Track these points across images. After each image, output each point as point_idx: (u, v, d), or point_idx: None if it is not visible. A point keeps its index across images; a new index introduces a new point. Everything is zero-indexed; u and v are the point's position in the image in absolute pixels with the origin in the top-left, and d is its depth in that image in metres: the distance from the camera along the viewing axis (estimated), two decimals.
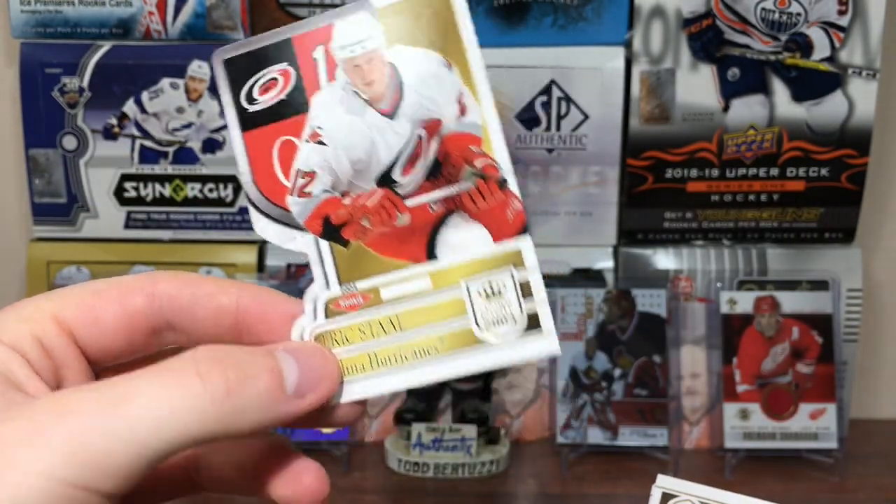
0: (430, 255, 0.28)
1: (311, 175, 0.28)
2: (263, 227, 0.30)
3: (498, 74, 0.82)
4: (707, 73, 0.81)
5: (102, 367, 0.31)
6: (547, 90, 0.82)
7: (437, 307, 0.29)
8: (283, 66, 0.27)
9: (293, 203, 0.28)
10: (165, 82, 0.82)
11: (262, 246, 0.86)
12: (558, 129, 0.83)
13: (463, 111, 0.27)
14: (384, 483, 0.81)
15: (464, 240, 0.28)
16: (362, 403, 0.31)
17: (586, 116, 0.82)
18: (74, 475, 0.25)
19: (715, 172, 0.83)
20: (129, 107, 0.83)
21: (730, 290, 0.84)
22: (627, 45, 0.81)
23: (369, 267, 0.29)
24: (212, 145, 0.84)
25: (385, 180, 0.28)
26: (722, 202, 0.84)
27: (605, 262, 0.86)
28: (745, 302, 0.83)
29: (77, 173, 0.84)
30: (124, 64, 0.82)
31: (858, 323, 0.86)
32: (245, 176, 0.29)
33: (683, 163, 0.83)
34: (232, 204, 0.85)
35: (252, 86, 0.28)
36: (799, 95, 0.82)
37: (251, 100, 0.28)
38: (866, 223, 0.87)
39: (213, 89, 0.83)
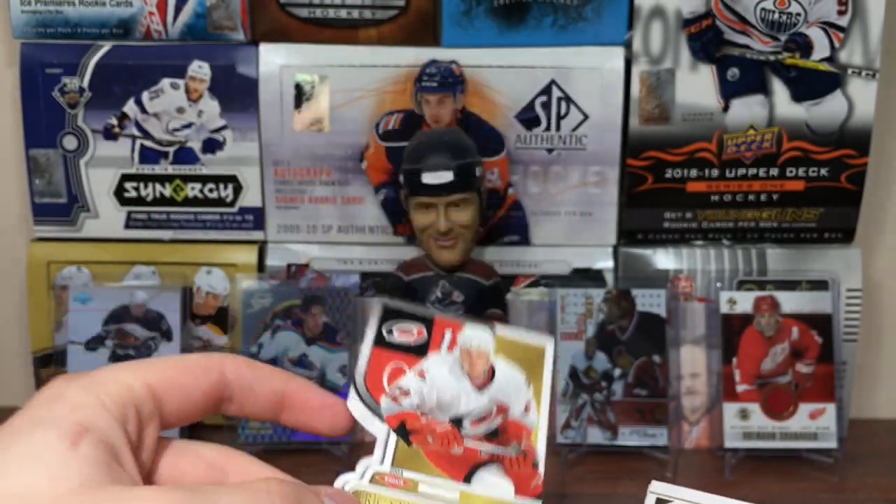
0: (467, 479, 0.37)
1: (406, 393, 0.38)
2: (355, 406, 0.37)
3: (498, 74, 0.82)
4: (707, 73, 0.81)
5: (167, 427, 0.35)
6: (547, 90, 0.82)
7: None
8: (421, 325, 0.39)
9: (385, 402, 0.37)
10: (166, 82, 0.83)
11: (262, 246, 0.86)
12: (558, 129, 0.83)
13: (527, 410, 0.39)
14: None
15: (495, 482, 0.37)
16: None
17: (586, 116, 0.83)
18: None
19: (715, 172, 0.84)
20: (130, 107, 0.83)
21: (729, 289, 0.84)
22: (627, 45, 0.81)
23: (419, 465, 0.37)
24: (212, 145, 0.84)
25: (456, 422, 0.38)
26: (722, 202, 0.85)
27: (605, 262, 0.86)
28: (744, 302, 0.83)
29: (77, 173, 0.84)
30: (125, 64, 0.82)
31: (858, 323, 0.86)
32: (360, 371, 0.38)
33: (683, 163, 0.83)
34: (232, 204, 0.85)
35: (395, 325, 0.39)
36: (798, 95, 0.82)
37: (390, 332, 0.38)
38: (866, 223, 0.87)
39: (213, 89, 0.83)
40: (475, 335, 0.39)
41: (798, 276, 0.84)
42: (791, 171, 0.83)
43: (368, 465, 0.37)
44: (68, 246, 0.86)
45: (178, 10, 0.81)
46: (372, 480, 0.37)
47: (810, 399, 0.82)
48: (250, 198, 0.85)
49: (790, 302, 0.83)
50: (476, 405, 0.38)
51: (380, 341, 0.39)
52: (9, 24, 0.82)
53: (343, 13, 0.81)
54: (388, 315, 0.40)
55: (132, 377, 0.32)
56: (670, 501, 0.36)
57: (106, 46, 0.82)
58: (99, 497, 0.27)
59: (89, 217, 0.85)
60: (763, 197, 0.84)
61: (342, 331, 0.83)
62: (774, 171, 0.83)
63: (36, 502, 0.27)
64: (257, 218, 0.86)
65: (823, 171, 0.83)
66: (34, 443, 0.29)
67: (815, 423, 0.82)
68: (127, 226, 0.86)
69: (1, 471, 0.28)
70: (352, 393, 0.38)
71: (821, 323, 0.83)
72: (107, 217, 0.85)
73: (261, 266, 0.86)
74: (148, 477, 0.33)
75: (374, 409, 0.38)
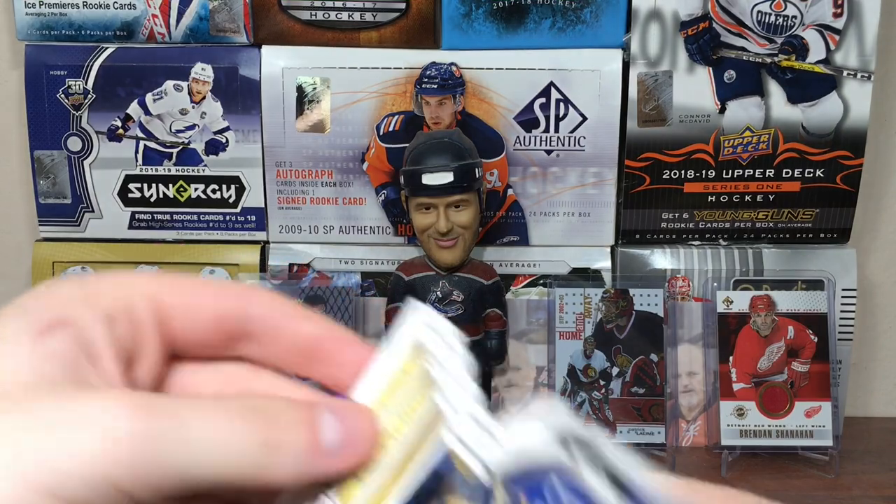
0: None
1: None
2: None
3: (497, 76, 0.83)
4: (704, 75, 0.82)
5: (174, 355, 0.31)
6: (546, 92, 0.83)
7: None
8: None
9: None
10: (169, 84, 0.83)
11: (264, 246, 0.87)
12: (557, 130, 0.84)
13: None
14: None
15: None
16: None
17: (584, 118, 0.83)
18: (120, 476, 0.25)
19: (711, 173, 0.84)
20: (134, 109, 0.84)
21: (726, 289, 0.85)
22: (625, 47, 0.82)
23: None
24: (215, 146, 0.85)
25: None
26: (718, 203, 0.85)
27: (603, 262, 0.87)
28: (741, 301, 0.84)
29: (82, 174, 0.85)
30: (128, 66, 0.83)
31: (853, 322, 0.87)
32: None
33: (680, 164, 0.84)
34: (235, 205, 0.86)
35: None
36: (794, 97, 0.82)
37: None
38: (861, 224, 0.88)
39: (216, 91, 0.84)
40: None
41: (794, 275, 0.85)
42: (787, 172, 0.84)
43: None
44: (73, 246, 0.86)
45: (181, 13, 0.82)
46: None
47: (806, 397, 0.83)
48: (253, 198, 0.86)
49: (786, 301, 0.84)
50: None
51: None
52: (14, 26, 0.82)
53: (344, 16, 0.82)
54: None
55: (133, 282, 0.30)
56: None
57: (110, 49, 0.83)
58: (42, 395, 0.25)
59: (93, 218, 0.86)
60: (759, 197, 0.85)
61: None
62: (770, 172, 0.84)
63: None
64: (259, 218, 0.86)
65: (819, 172, 0.84)
66: (2, 328, 0.27)
67: (810, 421, 0.83)
68: (130, 226, 0.87)
69: None
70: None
71: (816, 322, 0.84)
72: (111, 218, 0.86)
73: (263, 266, 0.86)
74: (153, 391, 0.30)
75: None
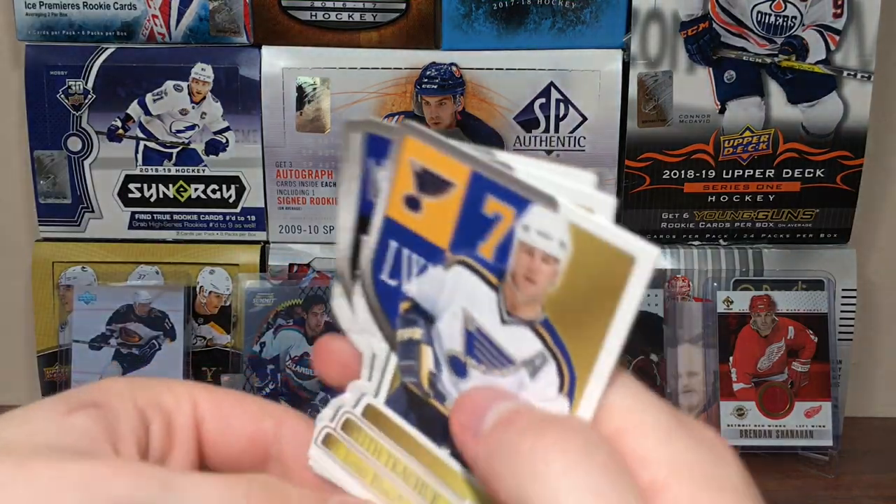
0: None
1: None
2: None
3: (497, 77, 0.83)
4: (704, 75, 0.82)
5: (206, 465, 0.31)
6: (546, 92, 0.83)
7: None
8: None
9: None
10: (169, 84, 0.83)
11: (264, 246, 0.87)
12: (557, 130, 0.84)
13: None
14: None
15: None
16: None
17: (584, 118, 0.83)
18: None
19: (711, 174, 0.84)
20: (134, 109, 0.84)
21: (726, 289, 0.85)
22: (625, 47, 0.82)
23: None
24: (215, 147, 0.85)
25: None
26: (718, 203, 0.85)
27: None
28: (741, 301, 0.84)
29: (82, 174, 0.85)
30: (128, 66, 0.83)
31: (853, 322, 0.87)
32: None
33: (680, 164, 0.84)
34: (235, 205, 0.86)
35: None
36: (794, 97, 0.82)
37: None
38: (861, 224, 0.88)
39: (216, 92, 0.84)
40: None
41: (794, 275, 0.85)
42: (787, 173, 0.84)
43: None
44: (73, 246, 0.86)
45: (181, 13, 0.82)
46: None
47: (806, 397, 0.83)
48: (252, 198, 0.86)
49: (786, 301, 0.84)
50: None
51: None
52: (14, 26, 0.83)
53: (344, 16, 0.82)
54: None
55: (177, 387, 0.30)
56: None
57: (110, 49, 0.83)
58: (45, 456, 0.25)
59: (93, 218, 0.86)
60: (759, 198, 0.85)
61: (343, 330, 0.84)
62: (770, 173, 0.84)
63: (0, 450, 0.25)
64: (259, 218, 0.86)
65: (819, 173, 0.84)
66: (37, 407, 0.27)
67: (810, 422, 0.83)
68: (131, 226, 0.87)
69: None
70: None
71: (816, 322, 0.84)
72: (111, 218, 0.86)
73: (263, 266, 0.86)
74: None
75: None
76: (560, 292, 0.25)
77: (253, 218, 0.86)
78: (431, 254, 0.28)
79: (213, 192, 0.86)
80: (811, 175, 0.84)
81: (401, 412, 0.29)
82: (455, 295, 0.27)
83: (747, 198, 0.85)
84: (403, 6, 0.82)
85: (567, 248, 0.25)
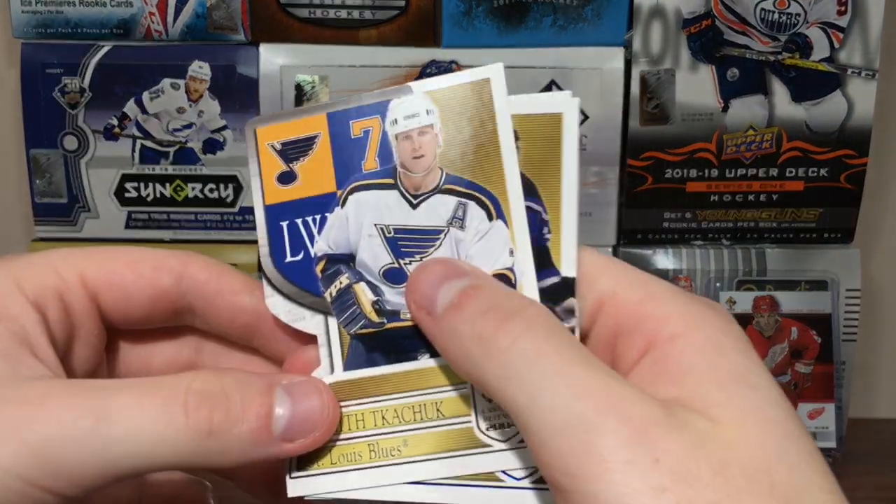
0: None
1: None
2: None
3: None
4: (706, 73, 0.81)
5: (118, 329, 0.31)
6: (547, 90, 0.82)
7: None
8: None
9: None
10: (166, 83, 0.83)
11: None
12: None
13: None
14: None
15: None
16: None
17: (586, 117, 0.83)
18: (37, 476, 0.25)
19: (714, 173, 0.84)
20: (130, 107, 0.83)
21: (729, 289, 0.84)
22: (627, 45, 0.82)
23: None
24: (212, 145, 0.84)
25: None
26: (721, 202, 0.85)
27: None
28: (743, 302, 0.84)
29: (78, 174, 0.84)
30: (125, 64, 0.82)
31: (857, 323, 0.86)
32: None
33: (683, 163, 0.83)
34: (232, 204, 0.85)
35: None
36: (798, 96, 0.82)
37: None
38: (865, 223, 0.87)
39: (214, 90, 0.83)
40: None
41: (797, 276, 0.85)
42: (790, 172, 0.84)
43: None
44: (69, 246, 0.86)
45: (178, 10, 0.81)
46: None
47: (809, 399, 0.83)
48: (250, 198, 0.85)
49: (789, 302, 0.83)
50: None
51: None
52: (9, 24, 0.82)
53: (343, 14, 0.81)
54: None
55: (62, 264, 0.29)
56: None
57: (106, 47, 0.82)
58: None
59: (90, 217, 0.86)
60: (762, 197, 0.84)
61: None
62: (774, 172, 0.83)
63: None
64: None
65: (823, 172, 0.83)
66: None
67: (814, 423, 0.83)
68: (127, 226, 0.86)
69: None
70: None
71: (820, 323, 0.83)
72: (107, 217, 0.86)
73: (261, 266, 0.86)
74: (95, 373, 0.30)
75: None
76: (447, 147, 0.28)
77: (251, 218, 0.86)
78: (324, 204, 0.29)
79: (211, 191, 0.85)
80: (815, 174, 0.84)
81: (364, 364, 0.29)
82: (362, 219, 0.29)
83: (750, 197, 0.84)
84: (403, 3, 0.81)
85: (433, 111, 0.29)
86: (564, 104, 0.28)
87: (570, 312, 0.27)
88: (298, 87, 0.83)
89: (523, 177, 0.28)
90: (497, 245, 0.28)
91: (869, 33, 0.80)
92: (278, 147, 0.30)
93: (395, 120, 0.29)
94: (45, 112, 0.83)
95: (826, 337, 0.83)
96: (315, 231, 0.30)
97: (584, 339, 0.28)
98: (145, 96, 0.83)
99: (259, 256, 0.31)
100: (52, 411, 0.25)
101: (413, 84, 0.29)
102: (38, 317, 0.28)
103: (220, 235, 0.86)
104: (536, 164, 0.28)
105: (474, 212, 0.28)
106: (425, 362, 0.28)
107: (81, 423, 0.25)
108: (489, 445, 0.28)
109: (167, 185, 0.85)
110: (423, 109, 0.29)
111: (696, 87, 0.82)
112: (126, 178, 0.85)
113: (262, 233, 0.30)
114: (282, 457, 0.28)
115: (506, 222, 0.28)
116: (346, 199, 0.29)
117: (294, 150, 0.30)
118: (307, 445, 0.28)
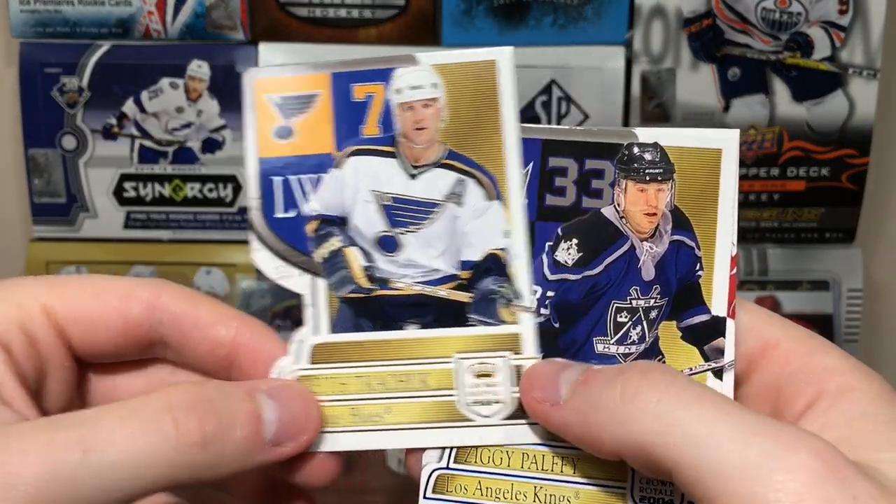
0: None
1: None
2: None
3: None
4: (707, 72, 0.81)
5: (89, 362, 0.30)
6: (547, 90, 0.82)
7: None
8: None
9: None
10: (165, 82, 0.82)
11: None
12: None
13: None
14: (385, 483, 0.81)
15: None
16: (337, 460, 0.29)
17: (586, 116, 0.82)
18: None
19: None
20: (129, 106, 0.83)
21: None
22: (628, 44, 0.81)
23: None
24: (211, 145, 0.84)
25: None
26: None
27: None
28: None
29: (76, 173, 0.84)
30: (124, 64, 0.82)
31: (859, 323, 0.86)
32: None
33: None
34: (231, 204, 0.85)
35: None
36: (799, 95, 0.82)
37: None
38: (867, 223, 0.87)
39: (213, 89, 0.83)
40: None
41: (799, 276, 0.84)
42: (792, 171, 0.83)
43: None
44: (67, 246, 0.85)
45: (177, 9, 0.81)
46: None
47: None
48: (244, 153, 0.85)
49: (791, 302, 0.83)
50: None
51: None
52: (8, 23, 0.82)
53: (343, 13, 0.81)
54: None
55: (23, 295, 0.28)
56: None
57: (105, 46, 0.82)
58: None
59: (88, 217, 0.85)
60: (764, 197, 0.84)
61: None
62: (775, 171, 0.83)
63: None
64: None
65: (824, 171, 0.83)
66: None
67: None
68: (126, 226, 0.86)
69: None
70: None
71: (821, 323, 0.83)
72: (106, 217, 0.85)
73: (250, 219, 0.85)
74: (68, 409, 0.29)
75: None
76: (451, 123, 0.28)
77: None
78: (320, 164, 0.29)
79: (210, 190, 0.85)
80: (816, 174, 0.83)
81: (351, 328, 0.29)
82: (359, 183, 0.29)
83: (751, 197, 0.84)
84: (403, 2, 0.81)
85: (439, 85, 0.28)
86: (726, 140, 0.27)
87: (719, 352, 0.27)
88: None
89: (678, 210, 0.29)
90: (493, 225, 0.28)
91: (870, 32, 0.80)
92: (277, 101, 0.30)
93: (399, 89, 0.29)
94: (44, 111, 0.83)
95: (828, 337, 0.82)
96: (309, 189, 0.29)
97: (739, 383, 0.29)
98: (144, 96, 0.83)
99: (248, 208, 0.31)
100: (32, 455, 0.24)
101: (420, 55, 0.29)
102: (4, 357, 0.27)
103: (219, 235, 0.86)
104: (693, 199, 0.28)
105: (473, 189, 0.28)
106: (412, 333, 0.28)
107: (69, 457, 0.24)
108: (471, 420, 0.28)
109: (166, 184, 0.85)
110: (428, 82, 0.29)
111: (696, 87, 0.81)
112: (125, 177, 0.85)
113: (252, 184, 0.30)
114: (272, 462, 0.27)
115: (503, 204, 0.28)
116: (343, 162, 0.29)
117: (293, 106, 0.30)
118: (297, 449, 0.28)
